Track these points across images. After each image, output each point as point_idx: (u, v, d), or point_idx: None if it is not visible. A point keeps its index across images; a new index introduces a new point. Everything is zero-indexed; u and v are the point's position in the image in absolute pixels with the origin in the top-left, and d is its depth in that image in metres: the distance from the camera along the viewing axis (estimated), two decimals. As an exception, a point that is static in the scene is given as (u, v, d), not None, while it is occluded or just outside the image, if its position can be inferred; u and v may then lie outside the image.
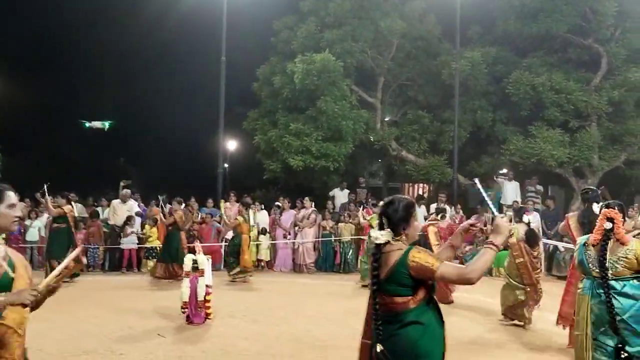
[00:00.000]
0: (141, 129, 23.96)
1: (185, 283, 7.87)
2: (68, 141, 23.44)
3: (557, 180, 17.43)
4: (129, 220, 13.43)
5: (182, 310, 7.80)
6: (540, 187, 15.78)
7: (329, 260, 13.68)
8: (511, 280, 7.85)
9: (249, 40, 19.25)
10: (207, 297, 7.91)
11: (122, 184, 14.66)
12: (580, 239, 4.82)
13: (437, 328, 3.12)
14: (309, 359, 6.31)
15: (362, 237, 13.07)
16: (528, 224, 8.21)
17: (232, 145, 27.21)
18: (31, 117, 23.58)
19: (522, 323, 7.81)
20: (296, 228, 13.84)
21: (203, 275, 7.97)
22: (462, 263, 3.65)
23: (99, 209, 14.27)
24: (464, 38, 17.47)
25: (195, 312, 7.80)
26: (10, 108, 22.38)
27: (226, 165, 23.03)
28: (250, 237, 12.19)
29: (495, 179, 16.55)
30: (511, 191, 15.61)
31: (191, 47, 21.65)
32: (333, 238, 13.69)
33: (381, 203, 3.48)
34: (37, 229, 13.65)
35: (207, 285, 7.94)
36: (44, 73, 23.28)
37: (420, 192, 20.32)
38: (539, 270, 8.03)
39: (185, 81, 23.29)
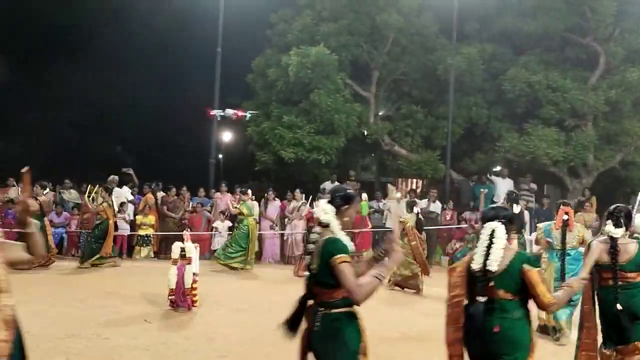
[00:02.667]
0: (136, 118, 23.90)
1: (173, 270, 7.91)
2: (61, 127, 23.36)
3: (552, 179, 17.44)
4: (121, 206, 13.41)
5: (169, 297, 7.83)
6: (534, 186, 15.80)
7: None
8: (407, 258, 9.66)
9: (245, 32, 19.16)
10: (194, 285, 7.96)
11: (123, 170, 14.64)
12: (544, 225, 7.31)
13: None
14: (291, 348, 6.30)
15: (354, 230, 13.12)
16: (417, 214, 10.39)
17: (226, 136, 27.19)
18: (24, 102, 23.51)
19: (415, 291, 10.00)
20: (286, 220, 13.86)
21: (190, 263, 8.01)
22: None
23: (94, 196, 14.24)
24: (460, 34, 17.42)
25: (182, 299, 7.84)
26: (2, 92, 22.33)
27: (220, 155, 23.02)
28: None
29: (488, 176, 16.56)
30: (505, 189, 15.56)
31: (187, 38, 21.53)
32: (323, 230, 13.68)
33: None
34: (30, 213, 13.63)
35: (194, 274, 7.98)
36: (35, 56, 23.18)
37: (413, 187, 20.30)
38: (424, 250, 10.51)
39: (181, 71, 23.21)
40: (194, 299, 7.95)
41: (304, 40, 16.58)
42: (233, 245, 11.91)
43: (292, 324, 3.57)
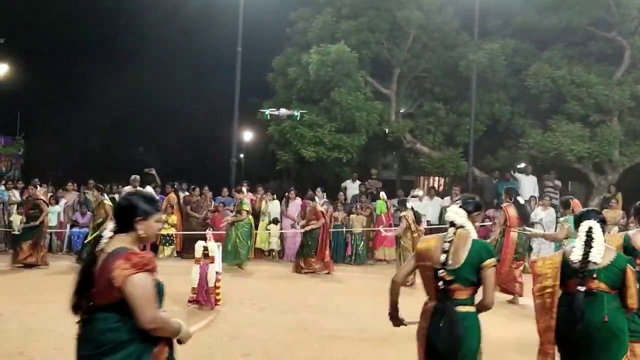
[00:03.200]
0: (158, 119, 24.12)
1: (196, 269, 7.94)
2: (86, 129, 23.70)
3: (576, 175, 17.14)
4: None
5: (192, 295, 7.87)
6: (558, 182, 15.58)
7: (340, 251, 13.68)
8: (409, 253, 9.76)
9: (265, 31, 19.20)
10: (217, 284, 7.98)
11: (146, 170, 14.75)
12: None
13: None
14: (314, 347, 6.32)
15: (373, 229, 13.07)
16: (412, 209, 10.91)
17: (247, 136, 27.32)
18: (50, 104, 23.88)
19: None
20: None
21: (213, 262, 8.04)
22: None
23: (116, 197, 14.38)
24: (482, 30, 17.20)
25: (205, 298, 7.87)
26: (30, 95, 22.70)
27: (241, 155, 23.13)
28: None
29: (512, 173, 16.35)
30: (529, 186, 15.42)
31: (207, 38, 21.62)
32: (344, 229, 13.69)
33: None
34: (56, 214, 13.88)
35: (217, 272, 8.01)
36: (60, 60, 23.50)
37: (435, 185, 20.13)
38: None
39: (201, 71, 23.37)
40: (217, 297, 7.98)
41: (324, 38, 16.53)
42: (240, 244, 11.90)
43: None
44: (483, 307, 3.56)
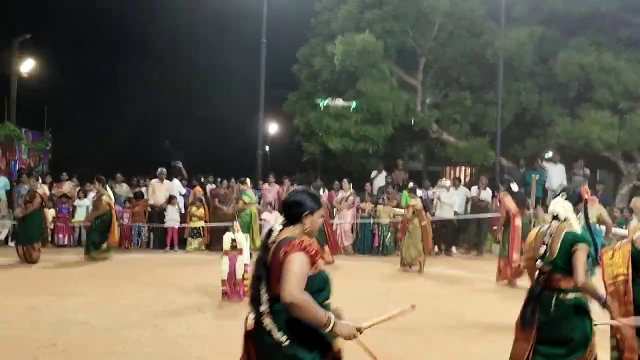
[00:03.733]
0: (183, 112, 24.31)
1: (225, 261, 8.01)
2: (112, 123, 23.97)
3: (605, 164, 16.87)
4: (171, 200, 13.67)
5: (221, 287, 7.94)
6: (587, 171, 15.32)
7: (367, 242, 13.66)
8: (414, 240, 10.76)
9: (289, 22, 19.15)
10: (245, 275, 8.03)
11: (172, 163, 14.88)
12: None
13: None
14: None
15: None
16: (421, 197, 11.32)
17: (272, 128, 27.38)
18: (76, 98, 24.21)
19: (418, 269, 10.78)
20: (334, 210, 13.83)
21: (241, 254, 8.10)
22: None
23: (143, 189, 14.57)
24: (509, 18, 16.92)
25: (234, 289, 7.94)
26: (57, 90, 23.02)
27: (267, 147, 23.20)
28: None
29: (540, 162, 16.12)
30: (557, 175, 15.20)
31: (232, 30, 21.68)
32: (372, 220, 13.65)
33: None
34: (84, 207, 14.09)
35: (245, 264, 8.06)
36: (86, 54, 23.80)
37: (462, 176, 19.96)
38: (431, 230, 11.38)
39: (226, 64, 23.43)
40: (246, 289, 8.03)
41: (349, 28, 16.43)
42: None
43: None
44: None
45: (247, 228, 12.05)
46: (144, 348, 5.62)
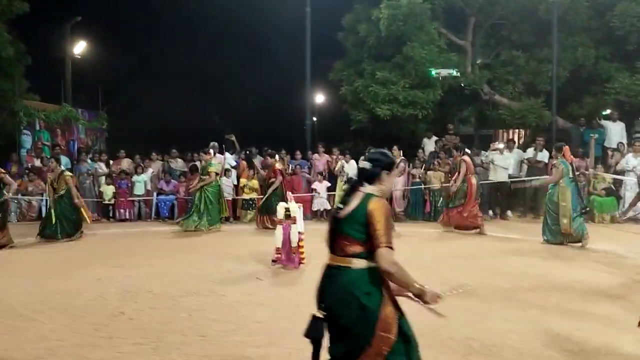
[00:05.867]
0: (231, 86, 24.51)
1: (279, 230, 8.13)
2: (164, 100, 24.44)
3: (668, 119, 16.17)
4: (225, 172, 13.89)
5: (276, 255, 8.08)
6: (648, 128, 14.73)
7: (419, 208, 13.61)
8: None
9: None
10: (300, 244, 8.14)
11: (226, 137, 15.09)
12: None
13: None
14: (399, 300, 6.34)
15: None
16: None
17: (319, 98, 27.31)
18: (128, 77, 24.77)
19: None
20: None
21: (295, 223, 8.19)
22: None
23: (197, 164, 14.85)
24: (562, -29, 16.26)
25: (289, 257, 8.07)
26: (109, 70, 23.59)
27: (315, 118, 23.17)
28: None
29: (598, 120, 15.54)
30: (616, 133, 14.67)
31: (276, 0, 21.60)
32: (423, 186, 13.56)
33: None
34: (142, 183, 14.54)
35: (299, 232, 8.16)
36: (135, 34, 24.22)
37: (515, 138, 19.44)
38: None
39: (271, 35, 23.44)
40: (302, 256, 8.15)
41: (394, -9, 16.10)
42: (210, 207, 12.02)
43: None
44: None
45: (216, 199, 12.15)
46: (207, 314, 5.80)
